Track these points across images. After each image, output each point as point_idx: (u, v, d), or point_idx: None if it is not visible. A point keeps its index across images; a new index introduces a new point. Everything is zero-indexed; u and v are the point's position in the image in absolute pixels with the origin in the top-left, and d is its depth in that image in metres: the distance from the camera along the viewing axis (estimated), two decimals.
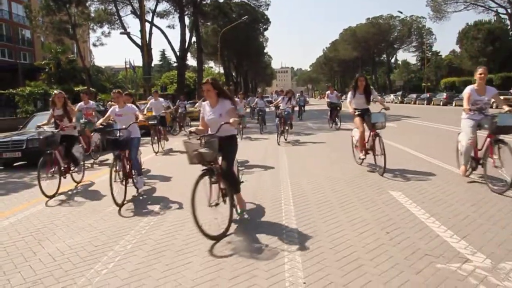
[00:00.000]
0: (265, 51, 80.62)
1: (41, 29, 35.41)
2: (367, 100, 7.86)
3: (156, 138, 11.95)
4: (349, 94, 7.95)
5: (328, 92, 18.77)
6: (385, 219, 4.73)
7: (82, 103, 10.70)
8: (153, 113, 12.45)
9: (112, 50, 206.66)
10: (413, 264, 3.49)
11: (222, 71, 58.57)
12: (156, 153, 11.64)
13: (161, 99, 13.11)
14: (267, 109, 17.11)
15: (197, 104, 15.71)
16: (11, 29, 47.80)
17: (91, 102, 11.06)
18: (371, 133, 7.43)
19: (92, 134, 10.56)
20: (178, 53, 35.98)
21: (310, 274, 3.38)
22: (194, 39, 39.58)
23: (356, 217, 4.88)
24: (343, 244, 4.00)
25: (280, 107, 13.43)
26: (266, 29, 61.72)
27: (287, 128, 13.15)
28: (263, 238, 4.27)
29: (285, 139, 12.67)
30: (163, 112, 12.72)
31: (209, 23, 49.77)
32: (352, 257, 3.68)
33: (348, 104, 7.87)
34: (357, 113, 7.69)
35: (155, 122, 12.03)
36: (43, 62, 37.54)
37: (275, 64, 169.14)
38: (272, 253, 3.85)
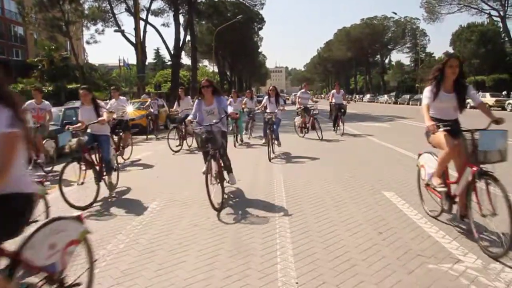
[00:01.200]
0: (259, 50, 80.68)
1: (34, 26, 35.11)
2: (459, 104, 4.46)
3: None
4: (427, 92, 4.43)
5: (334, 91, 15.16)
6: (378, 220, 4.75)
7: (32, 101, 8.76)
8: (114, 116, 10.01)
9: (106, 48, 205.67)
10: (405, 264, 3.51)
11: (216, 70, 58.49)
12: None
13: (122, 98, 10.77)
14: (257, 110, 13.56)
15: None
16: (3, 25, 47.34)
17: (45, 101, 8.99)
18: (471, 169, 3.96)
19: (44, 141, 8.66)
20: (172, 52, 35.85)
21: (302, 274, 3.39)
22: (188, 37, 39.47)
23: (349, 217, 4.89)
24: (336, 244, 4.01)
25: (267, 110, 10.63)
26: (261, 28, 61.67)
27: (274, 141, 10.00)
28: (256, 238, 4.27)
29: (273, 152, 9.77)
30: (122, 115, 10.18)
31: (203, 22, 49.65)
32: (345, 257, 3.69)
33: (424, 109, 4.38)
34: (442, 129, 4.12)
35: None
36: (35, 59, 37.28)
37: (270, 64, 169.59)
38: (265, 253, 3.85)
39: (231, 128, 12.90)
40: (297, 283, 3.23)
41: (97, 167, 6.27)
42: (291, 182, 6.95)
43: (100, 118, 6.27)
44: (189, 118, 6.19)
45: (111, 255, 3.94)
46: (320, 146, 11.76)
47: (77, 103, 22.24)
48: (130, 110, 17.41)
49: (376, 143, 12.01)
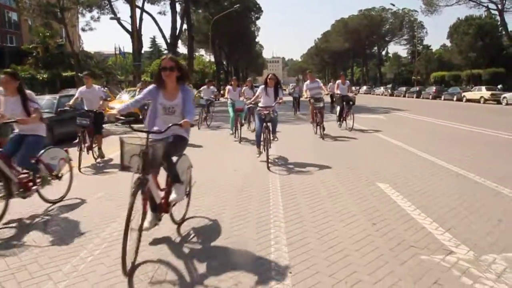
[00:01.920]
0: (256, 40, 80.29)
1: (28, 12, 34.66)
2: None
3: (84, 145, 7.80)
4: None
5: (339, 81, 13.53)
6: (372, 211, 4.77)
7: None
8: (86, 107, 8.39)
9: (101, 36, 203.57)
10: (398, 255, 3.53)
11: (213, 59, 58.17)
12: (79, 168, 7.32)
13: (96, 87, 8.61)
14: (248, 104, 11.01)
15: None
16: None
17: None
18: None
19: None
20: (168, 40, 35.55)
21: (296, 263, 3.40)
22: (185, 26, 39.16)
23: (343, 208, 4.91)
24: (330, 235, 4.03)
25: (260, 104, 8.23)
26: (258, 18, 61.29)
27: (271, 138, 8.03)
28: (250, 228, 4.28)
29: (267, 157, 7.59)
30: (100, 107, 8.29)
31: (200, 11, 49.23)
32: (339, 248, 3.71)
33: None
34: None
35: (85, 121, 7.86)
36: (30, 46, 36.88)
37: (266, 54, 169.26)
38: (259, 243, 3.86)
39: (233, 129, 11.50)
40: (290, 272, 3.25)
41: (23, 177, 4.88)
42: (286, 173, 6.96)
43: (18, 119, 4.79)
44: (120, 107, 3.98)
45: (105, 243, 3.93)
46: (319, 140, 11.75)
47: (72, 91, 22.11)
48: (126, 98, 17.09)
49: (371, 135, 12.01)
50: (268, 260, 3.48)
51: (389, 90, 55.90)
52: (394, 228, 4.20)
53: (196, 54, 63.89)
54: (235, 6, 43.88)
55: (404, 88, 51.34)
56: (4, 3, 47.17)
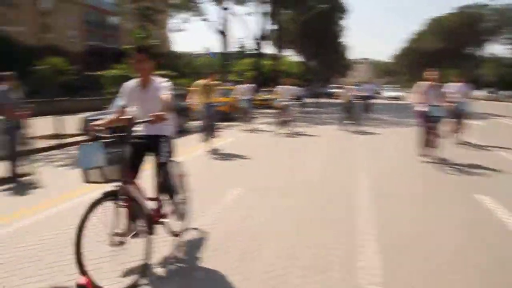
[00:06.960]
0: (342, 40, 78.55)
1: (127, 16, 37.29)
2: None
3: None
4: None
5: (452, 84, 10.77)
6: (472, 224, 4.38)
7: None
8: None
9: (189, 36, 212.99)
10: (501, 276, 3.18)
11: (299, 60, 58.09)
12: None
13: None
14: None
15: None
16: (99, 16, 51.34)
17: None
18: None
19: None
20: (256, 41, 36.17)
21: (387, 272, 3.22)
22: (272, 26, 39.50)
23: (440, 217, 4.57)
24: (428, 245, 3.76)
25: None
26: (344, 18, 60.00)
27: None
28: (336, 230, 4.15)
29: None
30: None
31: (287, 11, 49.38)
32: (435, 261, 3.44)
33: None
34: None
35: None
36: (128, 47, 39.69)
37: (352, 55, 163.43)
38: (345, 248, 3.72)
39: None
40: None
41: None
42: (374, 175, 6.69)
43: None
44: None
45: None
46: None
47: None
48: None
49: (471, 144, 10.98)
50: (356, 267, 3.34)
51: (494, 94, 51.36)
52: (494, 244, 3.80)
53: (283, 54, 64.35)
54: (322, 6, 43.28)
55: (505, 92, 46.86)
56: (106, 9, 51.49)
